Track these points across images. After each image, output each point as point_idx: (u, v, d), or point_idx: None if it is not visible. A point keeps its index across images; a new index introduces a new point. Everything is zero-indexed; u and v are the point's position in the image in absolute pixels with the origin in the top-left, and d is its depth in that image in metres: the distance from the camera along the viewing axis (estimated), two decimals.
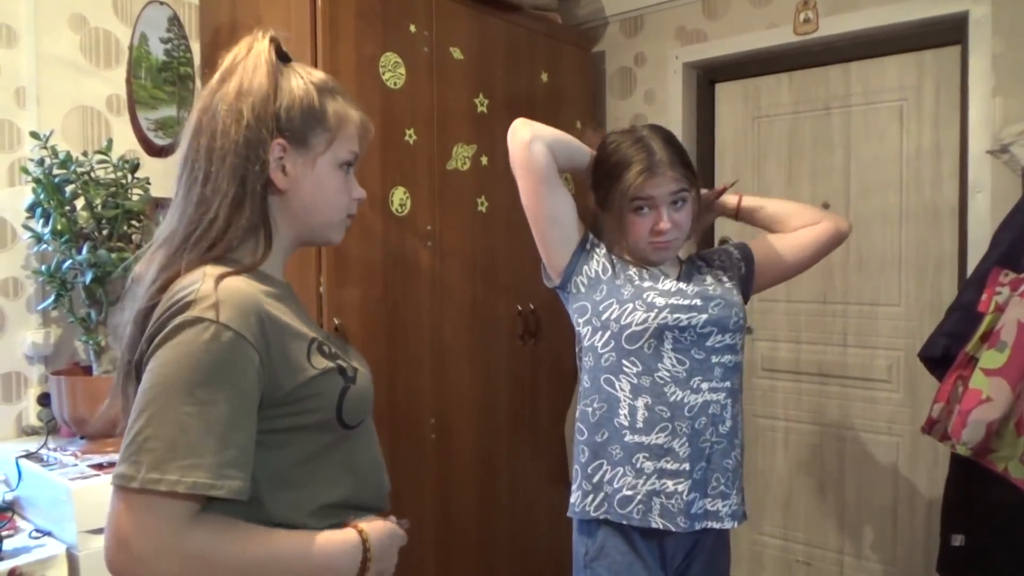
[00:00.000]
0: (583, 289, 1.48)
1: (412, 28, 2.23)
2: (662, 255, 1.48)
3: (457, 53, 2.37)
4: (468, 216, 2.42)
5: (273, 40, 1.00)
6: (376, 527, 0.97)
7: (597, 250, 1.50)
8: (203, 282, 0.86)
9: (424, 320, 2.28)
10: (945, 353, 2.04)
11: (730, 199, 1.65)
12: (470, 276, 2.42)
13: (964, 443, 1.87)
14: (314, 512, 0.93)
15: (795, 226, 1.60)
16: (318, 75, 1.02)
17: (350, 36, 2.06)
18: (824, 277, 2.73)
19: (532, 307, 2.60)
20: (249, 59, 0.97)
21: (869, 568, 2.68)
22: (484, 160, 2.46)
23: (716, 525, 1.43)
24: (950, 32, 2.40)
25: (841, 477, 2.74)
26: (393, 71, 2.18)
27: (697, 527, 1.41)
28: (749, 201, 1.64)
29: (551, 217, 1.48)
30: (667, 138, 1.48)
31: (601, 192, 1.50)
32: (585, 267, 1.48)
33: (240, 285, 0.88)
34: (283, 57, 1.01)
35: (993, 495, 2.02)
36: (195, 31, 2.39)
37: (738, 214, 1.65)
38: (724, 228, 2.90)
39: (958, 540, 2.12)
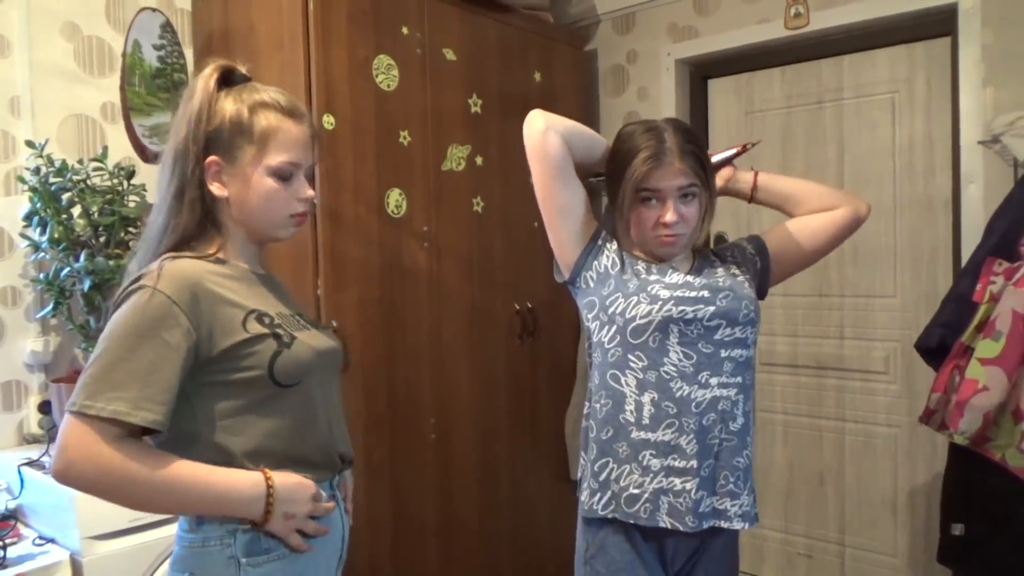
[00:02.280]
0: (592, 284, 1.46)
1: (404, 30, 2.23)
2: (668, 250, 1.44)
3: (450, 54, 2.38)
4: (464, 216, 2.43)
5: (219, 67, 1.18)
6: (285, 475, 1.11)
7: (608, 245, 1.47)
8: (156, 264, 1.09)
9: (422, 321, 2.28)
10: (941, 343, 2.05)
11: (746, 175, 1.58)
12: (467, 276, 2.43)
13: (962, 432, 1.88)
14: (248, 454, 1.10)
15: (812, 208, 1.54)
16: (260, 95, 1.17)
17: (342, 39, 2.06)
18: (820, 270, 2.74)
19: (530, 306, 2.61)
20: (198, 86, 1.16)
21: (870, 559, 2.70)
22: (479, 160, 2.47)
23: (724, 524, 1.38)
24: (940, 24, 2.42)
25: (840, 469, 2.75)
26: (386, 73, 2.18)
27: (704, 526, 1.36)
28: (766, 177, 1.58)
29: (563, 209, 1.46)
30: (682, 129, 1.43)
31: (612, 184, 1.46)
32: (595, 262, 1.45)
33: (184, 265, 1.10)
34: (232, 81, 1.19)
35: (991, 484, 2.03)
36: (188, 37, 2.40)
37: (753, 193, 1.57)
38: (720, 223, 2.91)
39: (958, 529, 2.13)
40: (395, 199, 2.20)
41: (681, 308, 1.36)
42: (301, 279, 2.06)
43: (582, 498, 1.45)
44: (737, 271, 1.51)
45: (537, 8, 2.77)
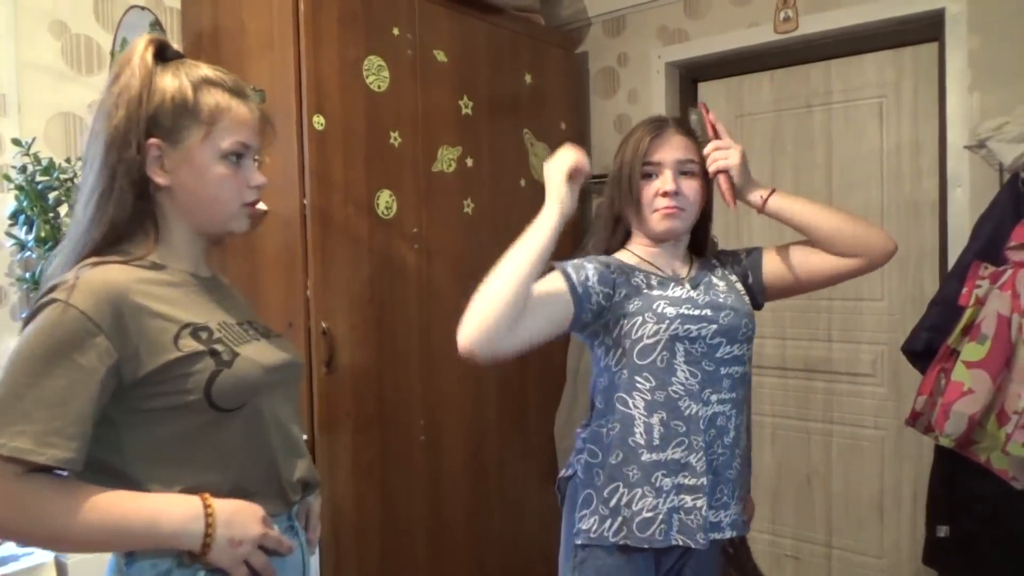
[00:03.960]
0: (595, 322, 1.41)
1: (395, 31, 2.23)
2: (668, 224, 1.42)
3: (441, 55, 2.38)
4: (454, 218, 2.42)
5: (153, 41, 1.05)
6: (228, 500, 0.98)
7: (590, 279, 1.36)
8: (73, 272, 0.96)
9: (412, 322, 2.28)
10: (927, 347, 2.07)
11: (757, 191, 1.46)
12: (457, 278, 2.42)
13: (947, 435, 1.89)
14: (187, 492, 0.97)
15: (832, 250, 1.43)
16: (202, 71, 1.05)
17: (333, 40, 2.06)
18: None
19: None
20: (129, 61, 1.03)
21: (857, 560, 2.71)
22: (469, 162, 2.47)
23: (718, 536, 1.39)
24: (927, 29, 2.43)
25: (828, 471, 2.76)
26: (377, 74, 2.18)
27: (708, 540, 1.37)
28: (780, 202, 1.45)
29: (557, 322, 1.36)
30: (682, 118, 1.50)
31: (615, 180, 1.48)
32: (589, 307, 1.36)
33: (106, 273, 0.96)
34: (167, 56, 1.06)
35: (977, 486, 2.05)
36: (177, 36, 2.38)
37: (761, 210, 1.48)
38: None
39: (943, 531, 2.15)
40: (385, 200, 2.20)
41: (687, 327, 1.36)
42: (291, 280, 2.05)
43: (586, 526, 1.39)
44: (737, 281, 1.52)
45: (528, 10, 2.77)
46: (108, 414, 0.94)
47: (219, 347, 1.00)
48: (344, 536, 2.08)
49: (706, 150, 1.46)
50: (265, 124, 1.12)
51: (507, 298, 1.26)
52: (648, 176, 1.44)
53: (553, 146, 2.79)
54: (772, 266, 1.52)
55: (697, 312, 1.38)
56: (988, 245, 2.01)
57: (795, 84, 2.77)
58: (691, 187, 1.44)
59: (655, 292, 1.40)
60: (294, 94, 2.00)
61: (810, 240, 1.46)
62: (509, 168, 2.63)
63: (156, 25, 2.32)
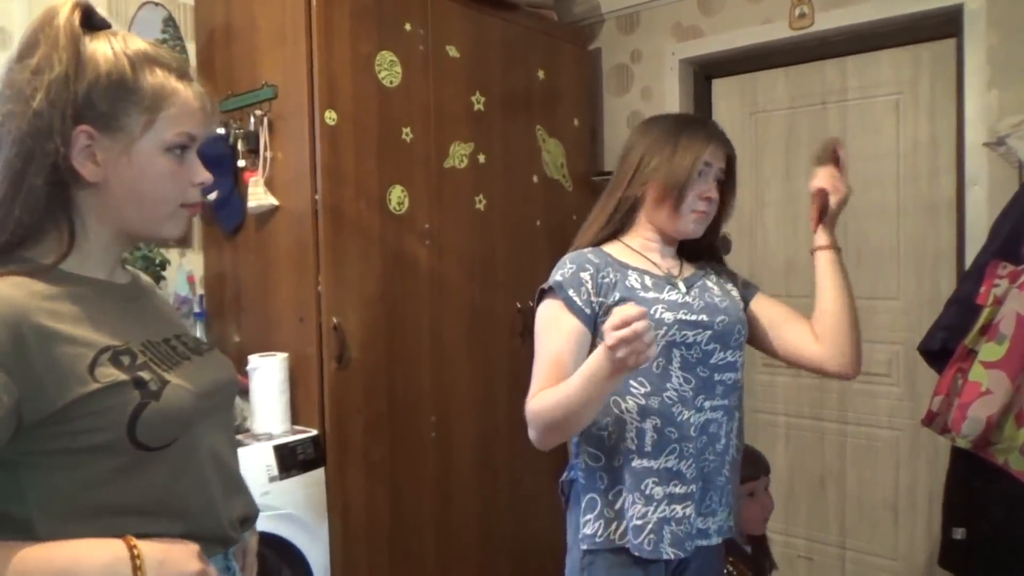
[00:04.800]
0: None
1: (407, 26, 2.23)
2: (699, 227, 1.44)
3: (453, 51, 2.37)
4: (466, 214, 2.42)
5: (79, 5, 0.87)
6: (161, 542, 0.82)
7: (594, 302, 1.36)
8: None
9: (423, 319, 2.27)
10: (944, 346, 2.04)
11: (826, 236, 1.48)
12: (469, 274, 2.42)
13: (964, 436, 1.86)
14: None
15: (819, 326, 1.45)
16: (138, 44, 0.89)
17: (345, 35, 2.06)
18: None
19: (531, 305, 2.60)
20: (49, 30, 0.84)
21: (871, 562, 2.68)
22: (482, 158, 2.46)
23: (704, 543, 1.38)
24: (945, 25, 2.40)
25: (842, 472, 2.74)
26: (389, 69, 2.17)
27: (693, 547, 1.36)
28: (827, 264, 1.47)
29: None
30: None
31: (658, 167, 1.41)
32: (596, 320, 1.36)
33: (3, 290, 0.79)
34: (94, 24, 0.88)
35: (994, 488, 2.02)
36: (190, 32, 2.39)
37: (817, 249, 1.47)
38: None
39: (959, 533, 2.12)
40: (397, 196, 2.19)
41: (684, 333, 1.35)
42: (302, 275, 2.05)
43: (591, 531, 1.37)
44: (733, 289, 1.51)
45: (541, 6, 2.76)
46: (5, 456, 0.78)
47: (145, 375, 0.84)
48: (354, 533, 2.08)
49: (824, 171, 1.47)
50: (212, 112, 0.94)
51: (565, 429, 1.31)
52: (700, 173, 1.41)
53: (566, 143, 2.79)
54: (758, 308, 1.51)
55: (694, 317, 1.36)
56: (1007, 244, 1.97)
57: (810, 81, 2.75)
58: (717, 195, 1.45)
59: (651, 295, 1.37)
60: (306, 89, 2.00)
61: (818, 305, 1.46)
62: (521, 165, 2.62)
63: (169, 21, 2.33)
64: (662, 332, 1.33)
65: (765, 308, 1.51)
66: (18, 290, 0.80)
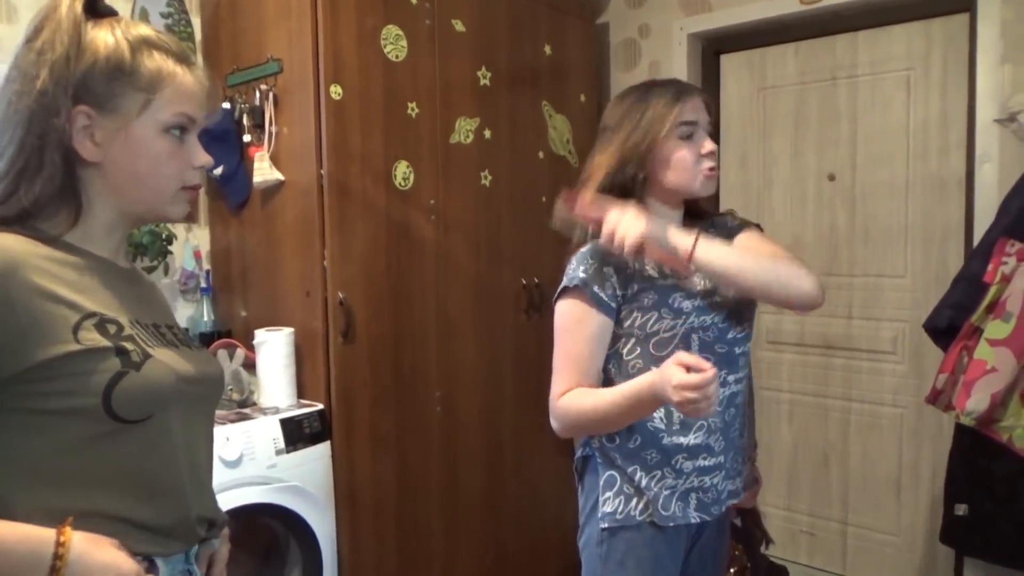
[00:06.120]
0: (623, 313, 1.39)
1: (413, 0, 2.21)
2: (712, 185, 1.38)
3: (459, 25, 2.35)
4: (472, 190, 2.41)
5: None
6: (95, 546, 0.79)
7: (619, 296, 1.36)
8: None
9: (429, 294, 2.28)
10: (950, 324, 2.04)
11: (683, 247, 1.29)
12: (474, 250, 2.42)
13: (968, 413, 1.87)
14: (62, 517, 0.80)
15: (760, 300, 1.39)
16: (140, 30, 0.92)
17: (351, 8, 2.04)
18: (830, 249, 2.72)
19: (537, 281, 2.60)
20: (54, 15, 0.88)
21: (872, 538, 2.70)
22: (487, 134, 2.45)
23: (733, 501, 1.45)
24: None
25: (845, 448, 2.75)
26: (395, 44, 2.16)
27: (723, 509, 1.42)
28: (703, 254, 1.28)
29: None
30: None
31: (639, 143, 1.35)
32: (618, 313, 1.37)
33: (4, 242, 0.82)
34: (98, 11, 0.91)
35: (997, 465, 2.03)
36: (195, 6, 2.37)
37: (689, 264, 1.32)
38: (729, 201, 2.89)
39: (962, 510, 2.14)
40: (403, 171, 2.19)
41: (702, 318, 1.35)
42: (308, 250, 2.06)
43: (611, 509, 1.38)
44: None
45: None
46: None
47: (128, 345, 0.85)
48: (361, 507, 2.11)
49: (602, 239, 1.28)
50: (214, 96, 0.98)
51: (595, 432, 1.41)
52: (687, 136, 1.36)
53: (573, 118, 2.77)
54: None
55: (709, 300, 1.37)
56: (1016, 222, 1.96)
57: (820, 56, 2.72)
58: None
59: (669, 281, 1.36)
60: (311, 63, 1.99)
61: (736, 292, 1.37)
62: (527, 140, 2.61)
63: None
64: (681, 321, 1.33)
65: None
66: (20, 244, 0.83)
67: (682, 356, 1.15)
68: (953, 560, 2.46)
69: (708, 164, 1.37)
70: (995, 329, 1.86)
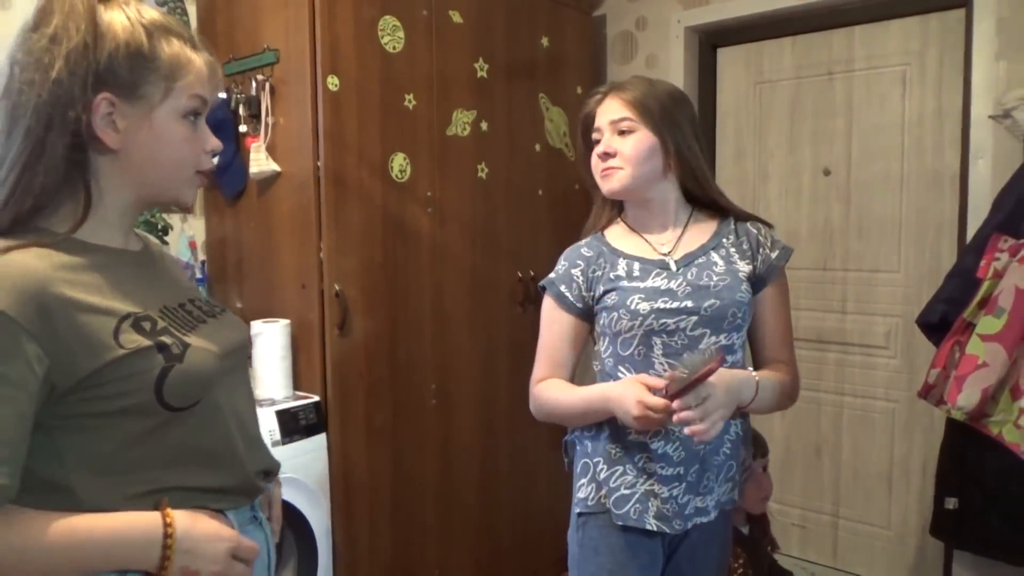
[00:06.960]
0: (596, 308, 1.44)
1: None
2: (607, 185, 1.40)
3: (456, 16, 2.34)
4: (468, 182, 2.41)
5: None
6: (196, 519, 0.88)
7: (585, 295, 1.43)
8: None
9: (425, 286, 2.28)
10: (943, 319, 2.05)
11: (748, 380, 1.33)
12: (470, 243, 2.42)
13: (959, 408, 1.88)
14: (140, 500, 0.87)
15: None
16: (151, 13, 0.91)
17: None
18: (824, 243, 2.73)
19: (532, 274, 2.61)
20: None
21: (863, 531, 2.73)
22: (484, 126, 2.45)
23: (703, 520, 1.38)
24: None
25: (837, 442, 2.77)
26: (392, 35, 2.15)
27: (689, 526, 1.37)
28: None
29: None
30: (638, 78, 1.45)
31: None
32: (589, 311, 1.44)
33: (19, 263, 0.81)
34: None
35: (987, 459, 2.04)
36: None
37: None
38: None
39: (952, 503, 2.15)
40: (399, 163, 2.19)
41: (662, 321, 1.33)
42: (304, 242, 2.06)
43: (580, 494, 1.42)
44: (747, 264, 1.42)
45: None
46: (41, 420, 0.81)
47: (166, 339, 0.88)
48: (355, 499, 2.11)
49: (680, 415, 1.19)
50: (220, 78, 0.98)
51: (561, 423, 1.51)
52: (595, 142, 1.43)
53: (569, 111, 2.77)
54: (758, 302, 1.45)
55: (675, 305, 1.33)
56: (1009, 218, 1.98)
57: (817, 51, 2.72)
58: (628, 146, 1.37)
59: (633, 283, 1.37)
60: (308, 54, 1.99)
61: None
62: (524, 133, 2.61)
63: None
64: (637, 322, 1.33)
65: (760, 307, 1.45)
66: (39, 261, 0.82)
67: (645, 378, 1.26)
68: (943, 553, 2.49)
69: (600, 166, 1.42)
70: (987, 324, 1.87)
